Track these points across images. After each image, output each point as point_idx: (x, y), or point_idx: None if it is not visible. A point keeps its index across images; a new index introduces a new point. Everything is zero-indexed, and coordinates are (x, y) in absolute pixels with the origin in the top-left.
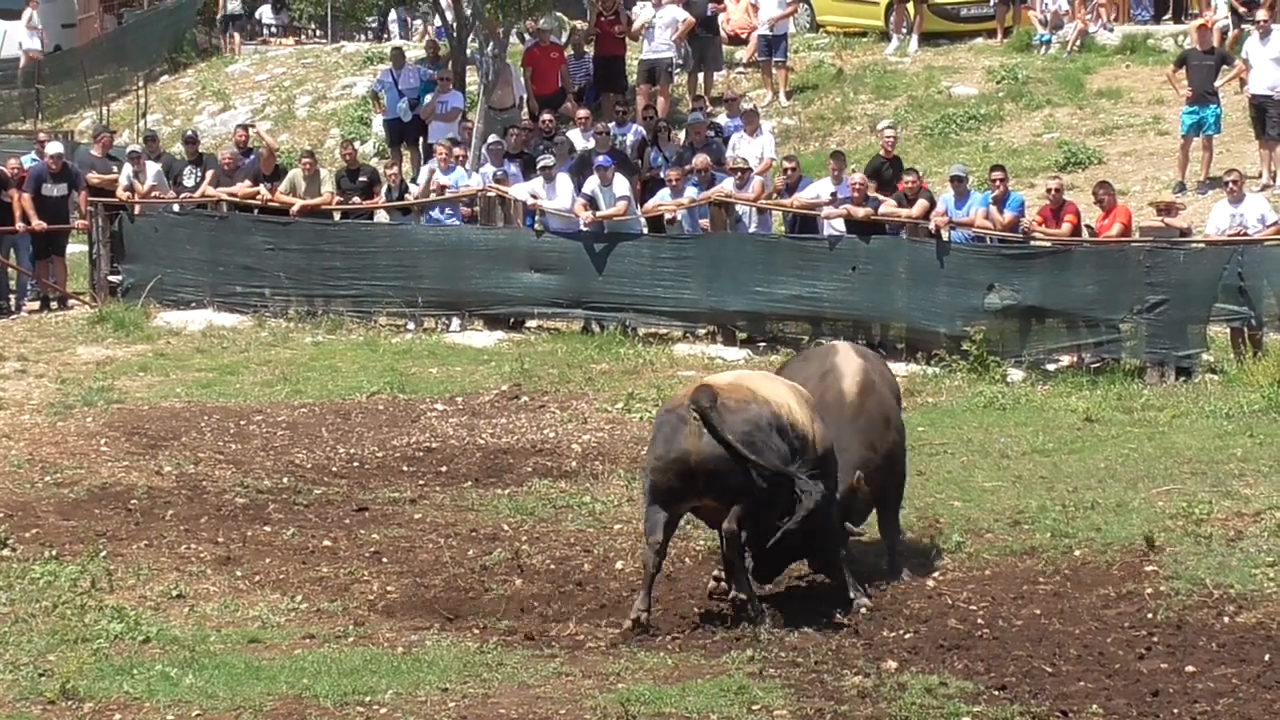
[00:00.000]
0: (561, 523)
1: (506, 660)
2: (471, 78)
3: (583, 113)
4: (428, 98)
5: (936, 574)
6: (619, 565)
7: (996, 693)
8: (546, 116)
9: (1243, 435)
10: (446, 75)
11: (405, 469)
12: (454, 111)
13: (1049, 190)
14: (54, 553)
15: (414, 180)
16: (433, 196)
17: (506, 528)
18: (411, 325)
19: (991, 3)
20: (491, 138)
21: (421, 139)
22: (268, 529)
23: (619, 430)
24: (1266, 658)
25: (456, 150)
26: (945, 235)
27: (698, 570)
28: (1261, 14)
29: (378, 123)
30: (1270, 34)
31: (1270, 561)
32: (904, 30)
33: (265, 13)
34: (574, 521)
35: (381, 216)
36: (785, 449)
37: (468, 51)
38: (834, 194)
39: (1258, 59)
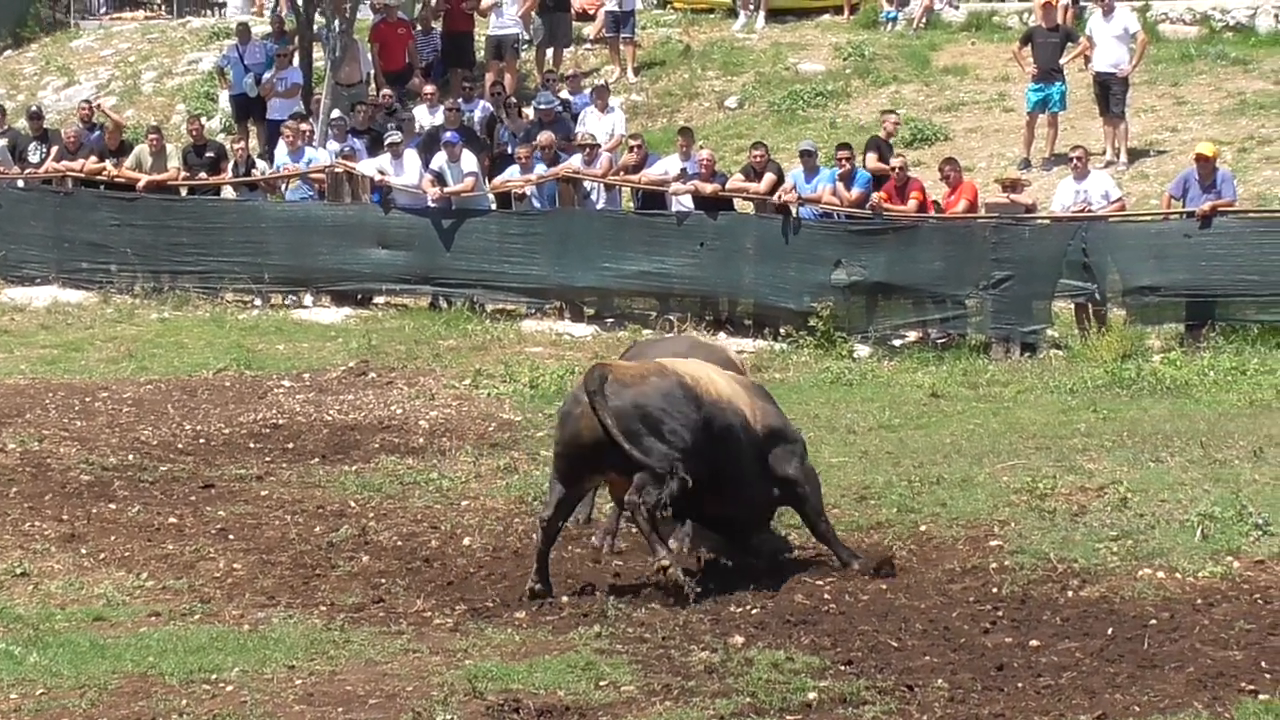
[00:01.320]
0: (409, 499)
1: (354, 637)
2: (318, 54)
3: (429, 89)
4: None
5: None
6: (466, 542)
7: (843, 667)
8: (386, 92)
9: (1086, 410)
10: (284, 52)
11: (252, 446)
12: (294, 88)
13: (893, 169)
14: None
15: (261, 156)
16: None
17: (354, 504)
18: (259, 301)
19: None
20: (335, 113)
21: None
22: (113, 506)
23: (466, 407)
24: (1109, 631)
25: (304, 127)
26: (794, 211)
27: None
28: None
29: (224, 98)
30: (1113, 11)
31: (1113, 536)
32: (751, 7)
33: None
34: (421, 498)
35: (228, 192)
36: (698, 419)
37: (314, 27)
38: (683, 170)
39: (1101, 36)
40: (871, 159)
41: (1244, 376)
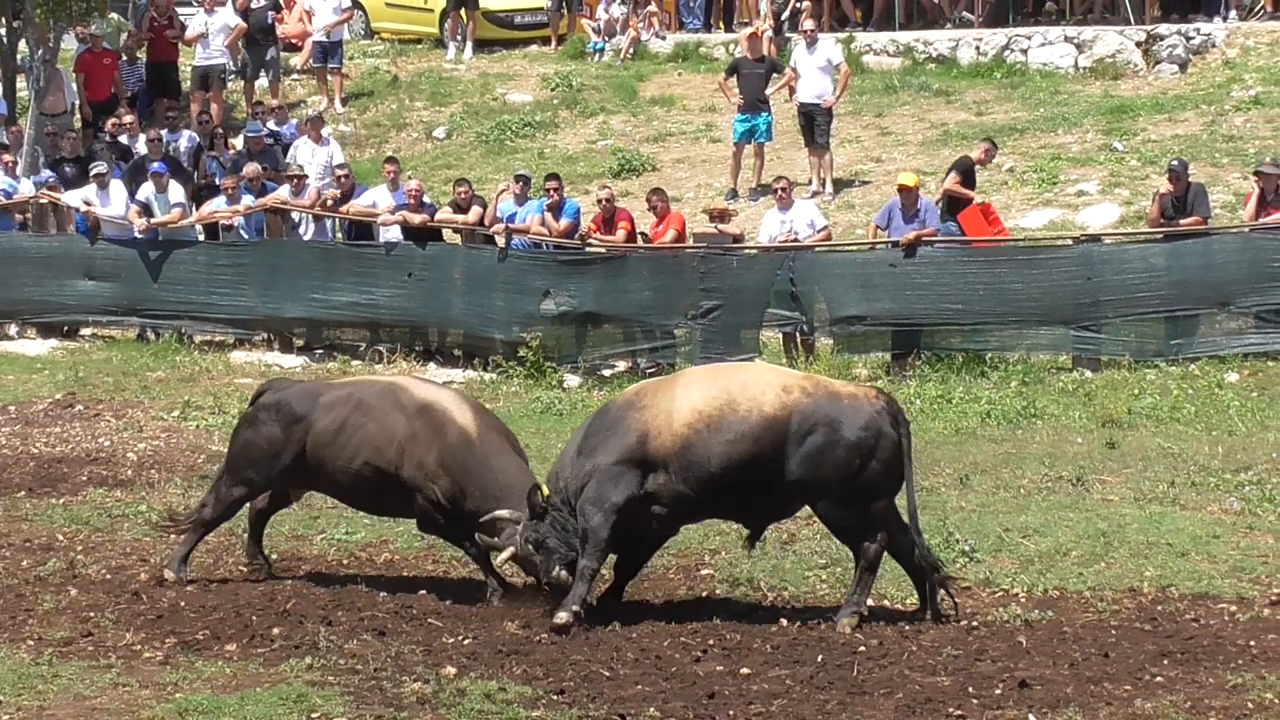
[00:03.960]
0: (117, 532)
1: (62, 671)
2: (22, 83)
3: (129, 118)
4: None
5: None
6: None
7: (555, 697)
8: (113, 121)
9: None
10: None
11: None
12: None
13: (599, 200)
14: None
15: None
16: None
17: (61, 538)
18: None
19: (545, 10)
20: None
21: None
22: None
23: (175, 438)
24: (819, 658)
25: (6, 157)
26: (501, 241)
27: (256, 580)
28: (809, 23)
29: None
30: (816, 43)
31: (822, 564)
32: (459, 37)
33: None
34: (130, 530)
35: None
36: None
37: (18, 57)
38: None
39: (805, 68)
40: (953, 178)
41: (949, 405)
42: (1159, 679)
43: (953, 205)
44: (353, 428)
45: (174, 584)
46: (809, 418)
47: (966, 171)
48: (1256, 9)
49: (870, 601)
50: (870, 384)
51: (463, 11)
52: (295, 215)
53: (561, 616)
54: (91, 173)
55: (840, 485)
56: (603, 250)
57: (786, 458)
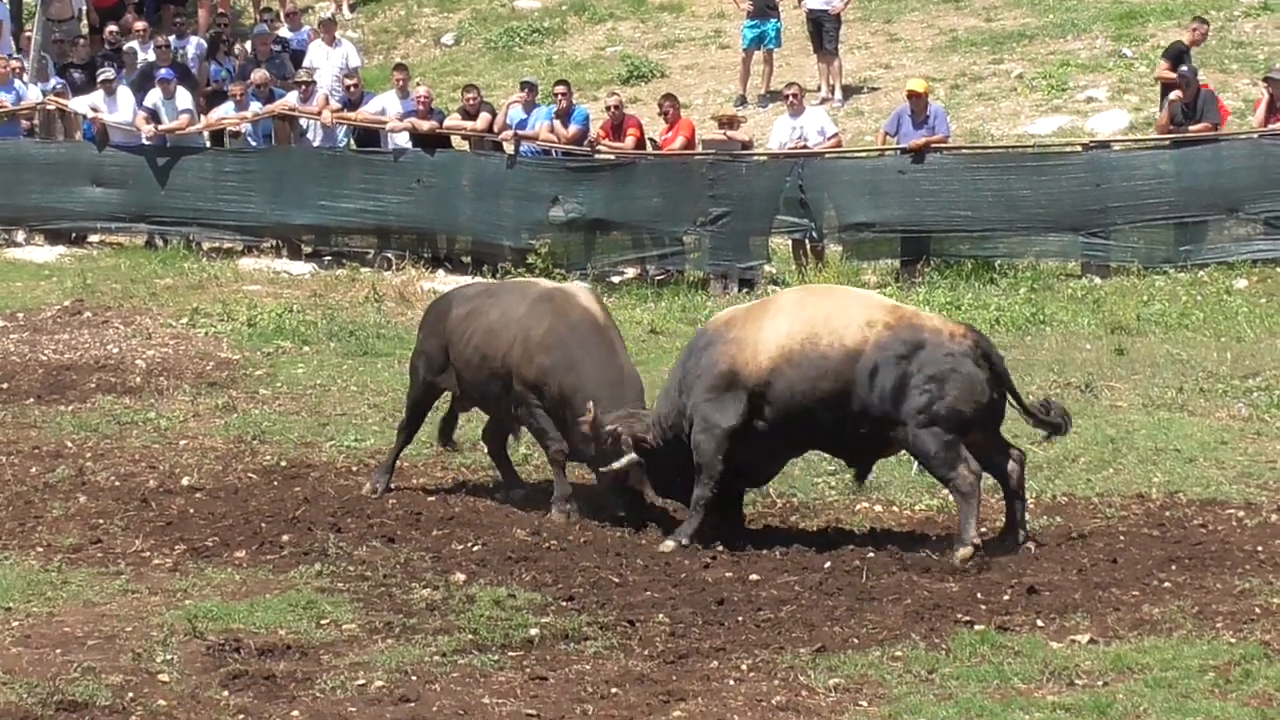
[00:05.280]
0: (126, 439)
1: (71, 578)
2: None
3: (140, 25)
4: None
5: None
6: (185, 481)
7: (564, 603)
8: (111, 28)
9: None
10: None
11: None
12: None
13: (608, 107)
14: None
15: None
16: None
17: (70, 445)
18: None
19: None
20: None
21: None
22: None
23: (184, 346)
24: (827, 565)
25: (14, 63)
26: (510, 148)
27: (266, 486)
28: None
29: None
30: None
31: (831, 470)
32: None
33: None
34: (139, 438)
35: None
36: None
37: None
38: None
39: None
40: (1163, 65)
41: (958, 311)
42: (1166, 584)
43: (1166, 90)
44: (478, 314)
45: (370, 493)
46: (887, 351)
47: (1178, 56)
48: None
49: (878, 508)
50: (961, 322)
51: None
52: (303, 122)
53: (668, 544)
54: (99, 79)
55: (918, 418)
56: (612, 157)
57: (870, 391)
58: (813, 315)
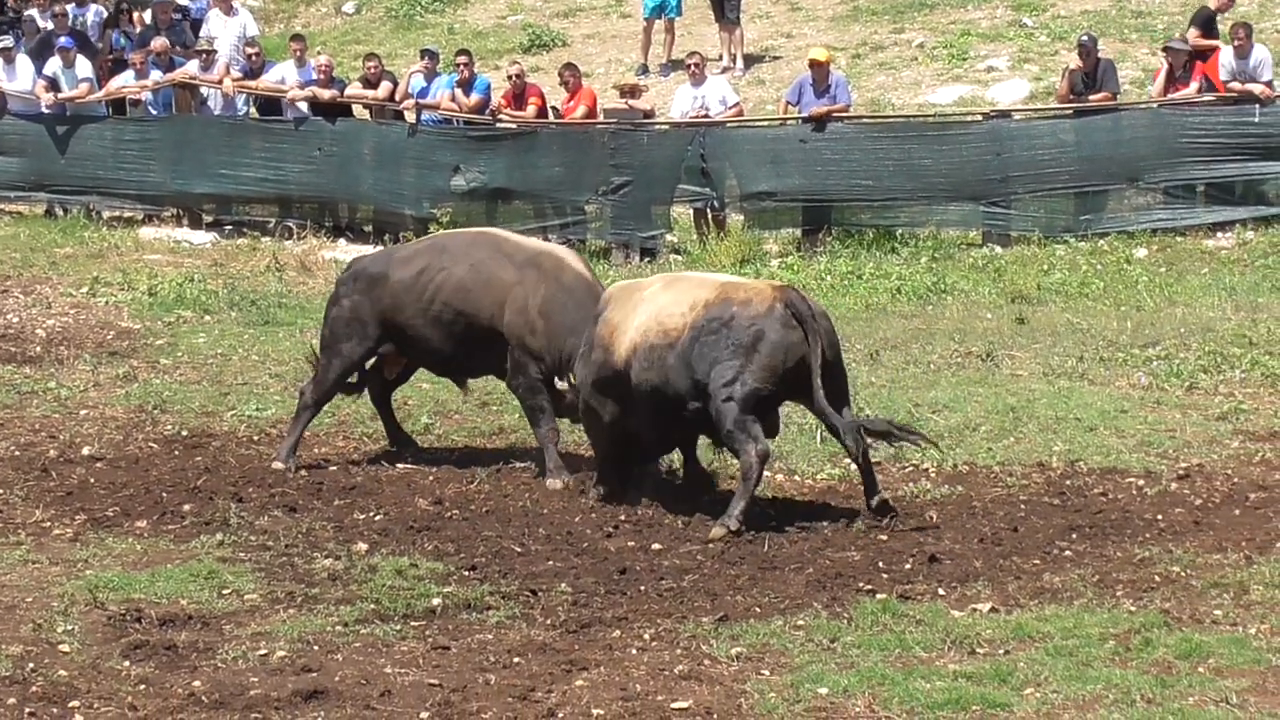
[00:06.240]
0: (26, 409)
1: None
2: None
3: None
4: None
5: (408, 456)
6: (86, 451)
7: (467, 573)
8: None
9: None
10: None
11: None
12: None
13: (510, 76)
14: None
15: None
16: None
17: None
18: None
19: None
20: None
21: None
22: None
23: (84, 315)
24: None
25: None
26: (411, 117)
27: (167, 456)
28: None
29: None
30: None
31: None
32: None
33: None
34: (39, 407)
35: None
36: None
37: None
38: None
39: None
40: (1194, 34)
41: (860, 280)
42: (1067, 553)
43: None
44: (435, 270)
45: (283, 473)
46: (700, 331)
47: (1206, 22)
48: None
49: (780, 477)
50: (776, 281)
51: None
52: (204, 90)
53: (716, 532)
54: None
55: (721, 392)
56: (513, 126)
57: (695, 374)
58: (656, 307)
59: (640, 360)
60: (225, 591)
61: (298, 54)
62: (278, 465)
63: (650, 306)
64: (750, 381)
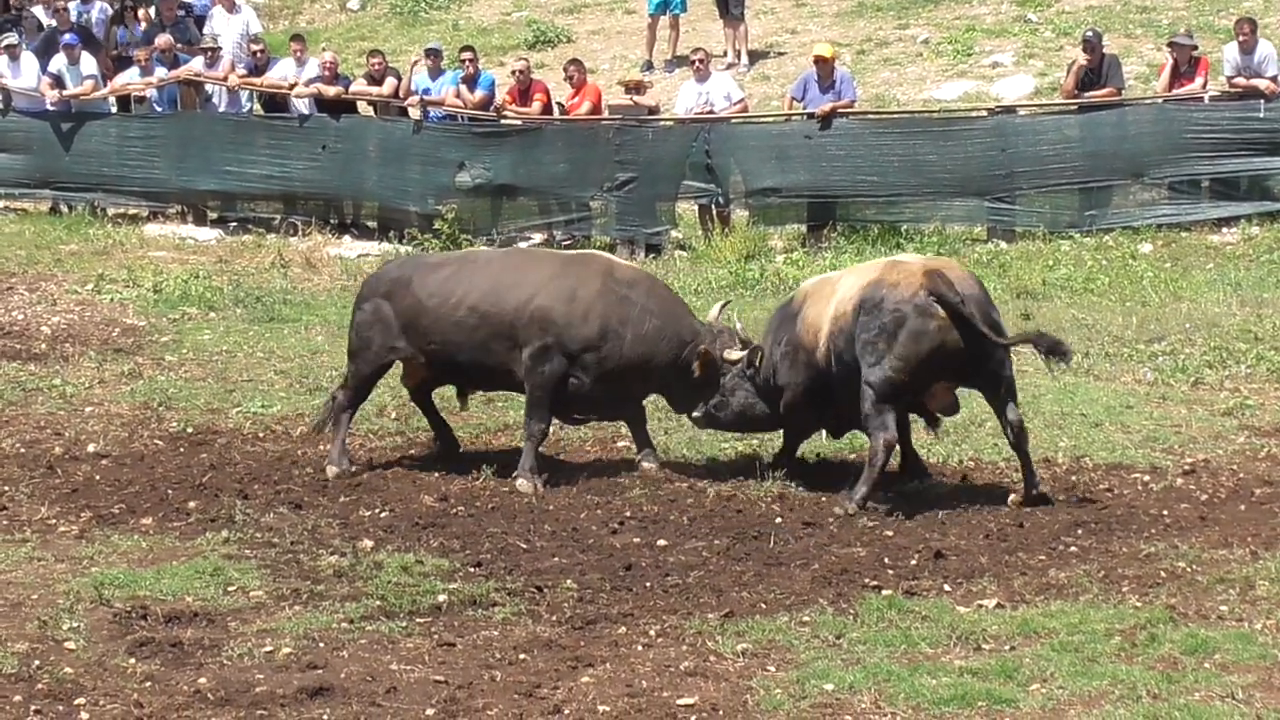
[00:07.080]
0: (31, 406)
1: None
2: None
3: None
4: None
5: (413, 452)
6: (91, 448)
7: (472, 569)
8: None
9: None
10: None
11: None
12: None
13: (514, 72)
14: None
15: None
16: None
17: None
18: None
19: None
20: None
21: None
22: None
23: (89, 312)
24: (736, 530)
25: None
26: (416, 114)
27: (173, 453)
28: None
29: None
30: None
31: (736, 436)
32: None
33: None
34: (44, 404)
35: None
36: None
37: None
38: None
39: None
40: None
41: None
42: (1073, 549)
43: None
44: (464, 276)
45: (336, 479)
46: (860, 308)
47: None
48: None
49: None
50: (932, 261)
51: None
52: (209, 87)
53: (836, 510)
54: (2, 44)
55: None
56: (518, 122)
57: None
58: (840, 294)
59: (834, 349)
60: (231, 588)
61: (298, 54)
62: (331, 469)
63: (836, 295)
64: (887, 369)
